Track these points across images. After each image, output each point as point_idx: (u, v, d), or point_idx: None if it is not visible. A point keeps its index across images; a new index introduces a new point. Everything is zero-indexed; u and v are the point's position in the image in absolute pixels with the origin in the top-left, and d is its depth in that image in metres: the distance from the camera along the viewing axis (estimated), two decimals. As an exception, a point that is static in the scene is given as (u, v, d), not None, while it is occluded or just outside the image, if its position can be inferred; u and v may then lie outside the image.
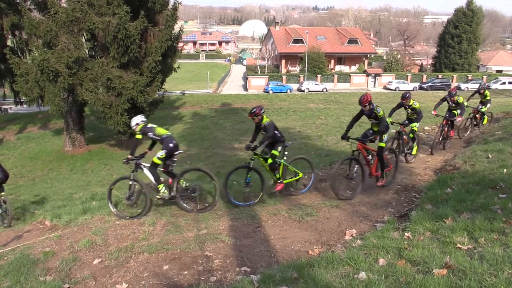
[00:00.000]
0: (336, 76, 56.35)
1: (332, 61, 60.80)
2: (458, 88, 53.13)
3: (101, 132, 27.28)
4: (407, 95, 9.58)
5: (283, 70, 59.90)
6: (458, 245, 3.96)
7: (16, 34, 29.93)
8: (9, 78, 29.31)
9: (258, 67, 61.80)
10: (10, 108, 37.43)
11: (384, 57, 72.57)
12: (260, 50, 70.33)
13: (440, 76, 56.92)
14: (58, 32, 20.04)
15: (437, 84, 54.00)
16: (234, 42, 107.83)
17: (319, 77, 54.84)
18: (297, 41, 59.13)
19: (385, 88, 54.84)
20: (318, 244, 5.26)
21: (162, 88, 24.40)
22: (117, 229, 5.98)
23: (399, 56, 65.11)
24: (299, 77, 54.90)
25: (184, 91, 48.89)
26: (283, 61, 60.51)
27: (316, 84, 52.25)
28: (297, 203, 6.97)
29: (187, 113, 34.87)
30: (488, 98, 12.83)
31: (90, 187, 15.50)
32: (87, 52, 22.36)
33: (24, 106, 33.82)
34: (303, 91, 50.56)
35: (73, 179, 18.18)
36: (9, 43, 30.28)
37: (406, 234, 4.59)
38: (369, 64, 64.00)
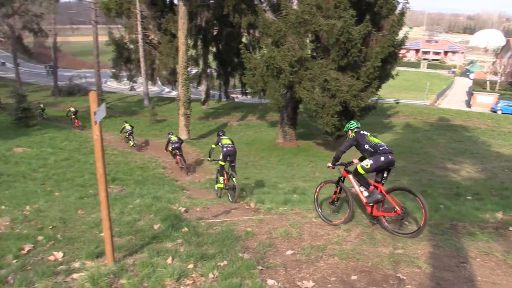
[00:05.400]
0: None
1: None
2: None
3: (310, 129, 28.46)
4: None
5: (519, 89, 52.18)
6: None
7: (251, 32, 33.78)
8: (240, 71, 33.42)
9: (488, 82, 55.29)
10: (237, 97, 42.60)
11: None
12: (493, 63, 62.78)
13: None
14: (286, 32, 21.60)
15: None
16: (462, 52, 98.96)
17: None
18: (543, 56, 50.75)
19: None
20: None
21: (377, 95, 23.95)
22: (313, 227, 6.05)
23: None
24: (539, 98, 47.05)
25: (399, 100, 47.24)
26: (521, 78, 52.73)
27: (561, 109, 43.95)
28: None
29: (398, 123, 33.59)
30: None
31: (294, 180, 16.27)
32: (309, 53, 23.49)
33: (248, 97, 37.99)
34: (542, 115, 43.14)
35: (280, 170, 19.38)
36: (244, 39, 34.32)
37: None
38: None
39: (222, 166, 11.19)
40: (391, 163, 5.78)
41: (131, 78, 43.52)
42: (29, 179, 12.80)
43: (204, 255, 4.83)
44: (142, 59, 37.82)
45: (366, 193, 6.01)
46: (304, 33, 21.88)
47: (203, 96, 38.95)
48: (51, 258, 4.86)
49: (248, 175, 16.81)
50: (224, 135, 11.72)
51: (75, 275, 4.28)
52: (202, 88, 38.62)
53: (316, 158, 22.20)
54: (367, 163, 5.81)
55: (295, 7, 22.28)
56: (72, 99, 43.80)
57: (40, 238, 5.57)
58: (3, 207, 7.87)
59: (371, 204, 5.88)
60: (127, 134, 23.25)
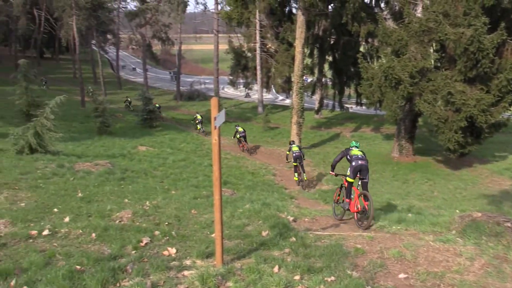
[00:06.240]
0: None
1: None
2: None
3: (430, 145, 26.69)
4: None
5: None
6: None
7: (369, 41, 32.92)
8: (356, 80, 32.77)
9: None
10: (351, 107, 41.62)
11: None
12: None
13: None
14: (408, 41, 20.53)
15: None
16: None
17: None
18: None
19: None
20: None
21: (510, 110, 21.62)
22: (429, 251, 5.57)
23: None
24: None
25: (535, 117, 42.18)
26: None
27: None
28: None
29: (534, 143, 29.90)
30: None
31: (409, 198, 15.37)
32: (432, 63, 22.09)
33: (363, 107, 36.93)
34: None
35: (393, 186, 18.45)
36: (361, 49, 33.53)
37: None
38: None
39: (294, 166, 17.05)
40: (362, 166, 7.56)
41: (247, 85, 45.12)
42: (150, 176, 13.78)
43: (311, 268, 4.71)
44: (258, 67, 38.94)
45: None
46: (427, 42, 20.64)
47: (316, 105, 38.73)
48: (166, 253, 5.12)
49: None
50: (294, 143, 18.62)
51: (186, 272, 4.44)
52: (316, 97, 38.46)
53: (435, 176, 20.68)
54: (348, 170, 7.74)
55: (419, 15, 21.14)
56: (192, 103, 46.63)
57: (156, 232, 5.91)
58: (126, 200, 8.53)
59: (343, 208, 7.98)
60: (239, 136, 24.86)
